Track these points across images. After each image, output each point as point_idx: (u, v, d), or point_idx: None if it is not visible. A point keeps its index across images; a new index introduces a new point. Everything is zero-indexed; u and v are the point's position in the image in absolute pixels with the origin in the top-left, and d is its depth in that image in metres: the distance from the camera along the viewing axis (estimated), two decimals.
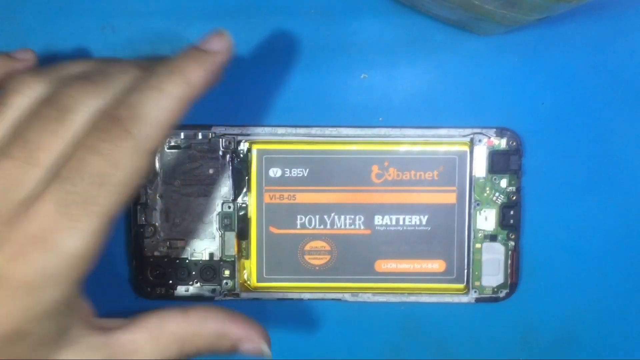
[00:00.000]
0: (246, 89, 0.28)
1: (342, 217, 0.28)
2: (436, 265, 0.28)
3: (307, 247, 0.28)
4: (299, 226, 0.28)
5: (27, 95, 0.21)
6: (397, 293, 0.28)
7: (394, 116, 0.28)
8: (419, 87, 0.28)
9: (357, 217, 0.28)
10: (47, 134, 0.20)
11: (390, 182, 0.28)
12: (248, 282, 0.28)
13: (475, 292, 0.28)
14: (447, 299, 0.28)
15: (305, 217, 0.28)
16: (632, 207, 0.28)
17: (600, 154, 0.28)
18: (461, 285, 0.28)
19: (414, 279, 0.28)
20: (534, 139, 0.28)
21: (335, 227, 0.28)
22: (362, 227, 0.28)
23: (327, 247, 0.28)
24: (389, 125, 0.28)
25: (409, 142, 0.28)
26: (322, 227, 0.28)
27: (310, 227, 0.28)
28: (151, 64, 0.22)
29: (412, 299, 0.28)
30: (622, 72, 0.28)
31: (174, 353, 0.22)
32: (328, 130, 0.28)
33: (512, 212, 0.28)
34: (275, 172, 0.28)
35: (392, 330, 0.29)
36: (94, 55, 0.27)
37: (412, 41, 0.28)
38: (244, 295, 0.28)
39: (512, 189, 0.28)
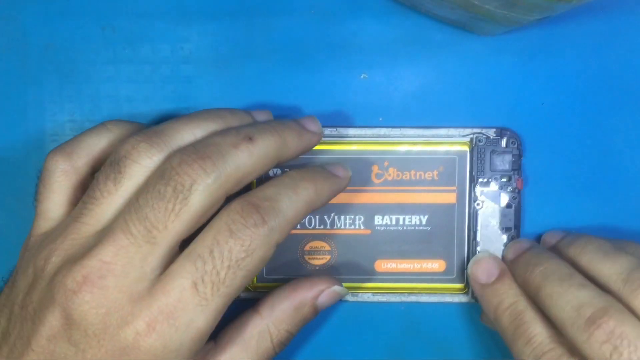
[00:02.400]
0: (246, 89, 0.28)
1: (342, 217, 0.28)
2: (436, 265, 0.28)
3: (307, 247, 0.28)
4: (298, 226, 0.28)
5: (144, 166, 0.22)
6: (397, 293, 0.28)
7: (394, 116, 0.28)
8: (419, 87, 0.28)
9: (357, 217, 0.28)
10: (166, 213, 0.20)
11: (390, 182, 0.28)
12: None
13: None
14: (447, 298, 0.28)
15: (305, 217, 0.28)
16: (632, 207, 0.28)
17: (600, 154, 0.28)
18: (461, 285, 0.28)
19: (414, 279, 0.28)
20: (534, 139, 0.28)
21: (335, 227, 0.28)
22: (362, 227, 0.28)
23: (327, 247, 0.28)
24: (389, 125, 0.28)
25: (409, 142, 0.28)
26: (322, 227, 0.28)
27: (310, 227, 0.28)
28: (254, 125, 0.24)
29: (412, 298, 0.28)
30: (622, 72, 0.28)
31: (270, 351, 0.24)
32: (328, 130, 0.28)
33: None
34: (275, 172, 0.28)
35: (392, 330, 0.29)
36: (94, 56, 0.27)
37: (412, 41, 0.28)
38: (243, 295, 0.28)
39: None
